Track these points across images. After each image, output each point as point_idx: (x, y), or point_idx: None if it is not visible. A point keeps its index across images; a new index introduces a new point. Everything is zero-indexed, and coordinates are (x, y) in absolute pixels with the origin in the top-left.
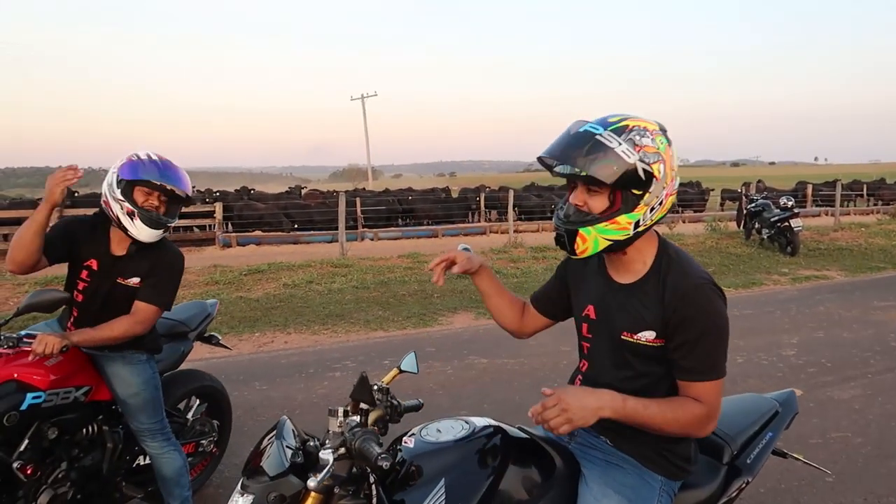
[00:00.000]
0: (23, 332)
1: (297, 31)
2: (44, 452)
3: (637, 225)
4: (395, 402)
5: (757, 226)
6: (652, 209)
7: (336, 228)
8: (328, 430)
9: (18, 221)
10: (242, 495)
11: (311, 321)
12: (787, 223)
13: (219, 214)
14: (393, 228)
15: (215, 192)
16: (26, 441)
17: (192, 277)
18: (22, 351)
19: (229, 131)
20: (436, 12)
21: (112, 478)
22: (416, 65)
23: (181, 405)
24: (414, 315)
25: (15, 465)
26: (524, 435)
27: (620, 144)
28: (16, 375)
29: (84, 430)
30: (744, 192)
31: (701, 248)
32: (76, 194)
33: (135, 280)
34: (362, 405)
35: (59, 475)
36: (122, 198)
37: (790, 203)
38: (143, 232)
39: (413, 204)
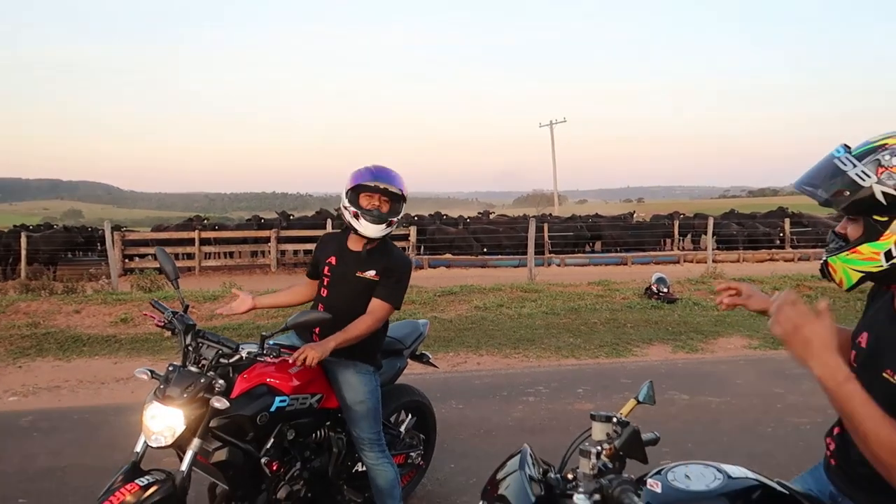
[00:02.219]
0: (272, 343)
1: (484, 59)
2: (283, 452)
3: (890, 256)
4: None
5: None
6: None
7: (523, 253)
8: (570, 466)
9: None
10: None
11: (503, 344)
12: None
13: (413, 237)
14: (580, 255)
15: (413, 217)
16: (272, 440)
17: None
18: (283, 360)
19: (420, 158)
20: (621, 39)
21: (336, 481)
22: (603, 89)
23: (393, 418)
24: (606, 344)
25: (263, 460)
26: (786, 492)
27: (855, 167)
28: (267, 380)
29: (314, 434)
30: None
31: None
32: (291, 217)
33: (371, 273)
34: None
35: (295, 473)
36: (348, 204)
37: None
38: (368, 229)
39: (601, 230)
